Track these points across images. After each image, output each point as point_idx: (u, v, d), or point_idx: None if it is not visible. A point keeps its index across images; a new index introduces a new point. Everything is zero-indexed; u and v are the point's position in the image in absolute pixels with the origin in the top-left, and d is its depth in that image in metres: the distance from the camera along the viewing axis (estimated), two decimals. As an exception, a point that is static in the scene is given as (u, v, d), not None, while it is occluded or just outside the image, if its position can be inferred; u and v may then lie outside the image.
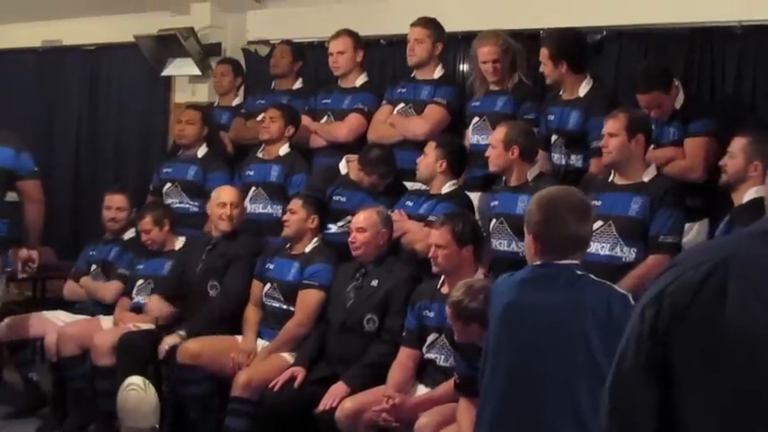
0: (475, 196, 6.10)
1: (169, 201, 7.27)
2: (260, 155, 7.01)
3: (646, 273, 4.96)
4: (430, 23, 6.55)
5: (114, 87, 9.15)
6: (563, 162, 5.94)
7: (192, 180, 7.26)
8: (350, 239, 5.88)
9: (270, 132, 6.88)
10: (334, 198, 6.49)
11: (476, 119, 6.34)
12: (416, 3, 6.97)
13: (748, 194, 4.92)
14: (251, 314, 6.32)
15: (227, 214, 6.51)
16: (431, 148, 6.02)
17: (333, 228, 6.41)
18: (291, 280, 6.15)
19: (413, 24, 6.57)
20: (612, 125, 5.28)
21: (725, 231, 4.85)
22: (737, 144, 5.04)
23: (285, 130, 6.88)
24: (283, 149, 6.91)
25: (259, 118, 7.19)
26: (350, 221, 6.10)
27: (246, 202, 6.84)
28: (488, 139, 5.87)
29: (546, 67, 5.95)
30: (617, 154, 5.30)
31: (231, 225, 6.53)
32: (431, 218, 5.85)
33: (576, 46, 5.97)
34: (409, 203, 6.15)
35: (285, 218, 6.27)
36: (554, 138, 6.00)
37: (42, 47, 9.77)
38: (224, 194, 6.60)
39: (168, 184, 7.34)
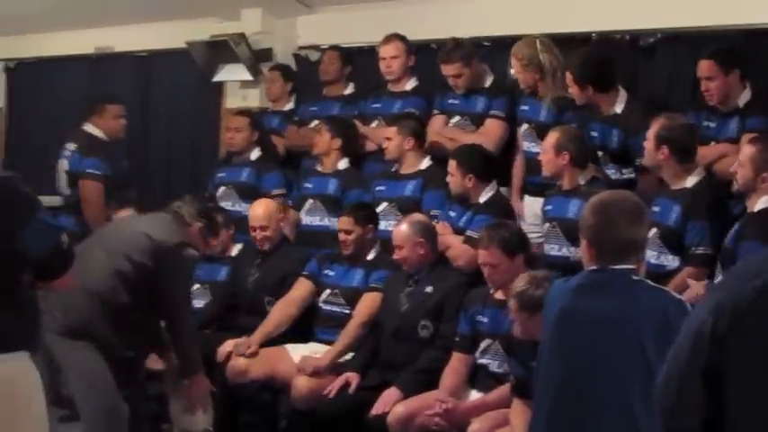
0: (532, 201, 6.07)
1: (223, 204, 7.29)
2: (318, 168, 6.99)
3: (680, 283, 4.94)
4: (455, 54, 6.48)
5: (166, 93, 9.20)
6: (612, 176, 5.89)
7: (246, 182, 7.29)
8: (394, 255, 5.87)
9: (318, 147, 6.93)
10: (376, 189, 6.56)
11: (525, 126, 6.30)
12: (464, 6, 6.95)
13: (760, 203, 4.84)
14: (279, 311, 6.32)
15: (259, 238, 6.56)
16: (453, 167, 6.03)
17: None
18: (356, 286, 6.16)
19: (443, 62, 6.51)
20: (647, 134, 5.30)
21: (734, 239, 4.76)
22: (746, 153, 4.91)
23: (332, 143, 6.88)
24: (342, 164, 6.90)
25: (312, 125, 7.23)
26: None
27: (302, 214, 6.88)
28: (537, 147, 5.90)
29: (573, 91, 5.90)
30: (648, 160, 5.36)
31: (268, 244, 6.57)
32: (468, 232, 5.88)
33: (598, 69, 5.88)
34: (452, 214, 6.14)
35: (341, 238, 6.23)
36: (600, 153, 5.96)
37: (95, 54, 9.84)
38: (252, 217, 6.64)
39: (222, 188, 7.38)
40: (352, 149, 6.97)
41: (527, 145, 6.25)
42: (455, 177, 6.03)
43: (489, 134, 6.46)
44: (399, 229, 5.84)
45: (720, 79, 5.55)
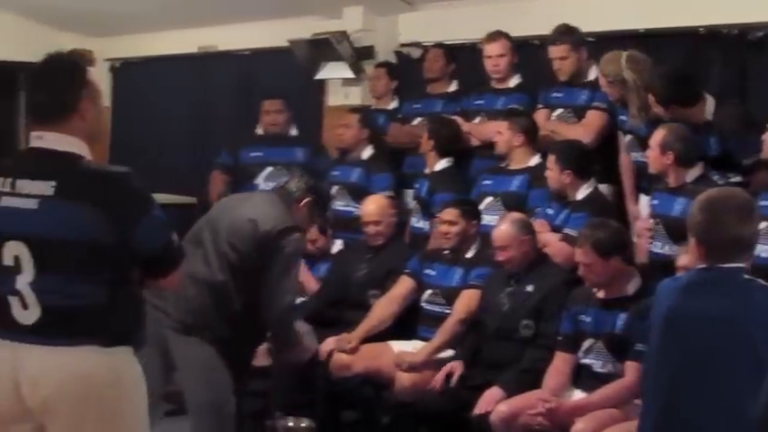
0: (648, 199, 5.98)
1: (336, 203, 7.34)
2: (426, 171, 6.99)
3: None
4: (565, 38, 6.45)
5: (268, 92, 9.24)
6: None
7: (356, 183, 7.32)
8: (497, 257, 5.83)
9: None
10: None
11: (628, 136, 6.17)
12: (567, 1, 6.88)
13: None
14: (382, 308, 6.34)
15: (370, 233, 6.57)
16: (551, 163, 6.00)
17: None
18: (456, 285, 6.13)
19: (550, 44, 6.50)
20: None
21: None
22: None
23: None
24: (440, 164, 6.91)
25: (415, 122, 7.25)
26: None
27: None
28: (643, 157, 5.82)
29: (657, 110, 5.76)
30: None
31: (380, 239, 6.60)
32: (565, 230, 5.84)
33: (680, 88, 5.69)
34: (550, 212, 6.10)
35: (444, 229, 6.20)
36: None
37: (198, 53, 9.96)
38: (365, 213, 6.69)
39: (336, 187, 7.40)
40: (449, 148, 6.95)
41: (633, 155, 6.14)
42: (553, 173, 5.99)
43: (589, 124, 6.40)
44: (502, 229, 5.78)
45: None
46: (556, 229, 5.97)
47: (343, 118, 7.59)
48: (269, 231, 5.09)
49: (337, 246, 7.13)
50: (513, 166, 6.49)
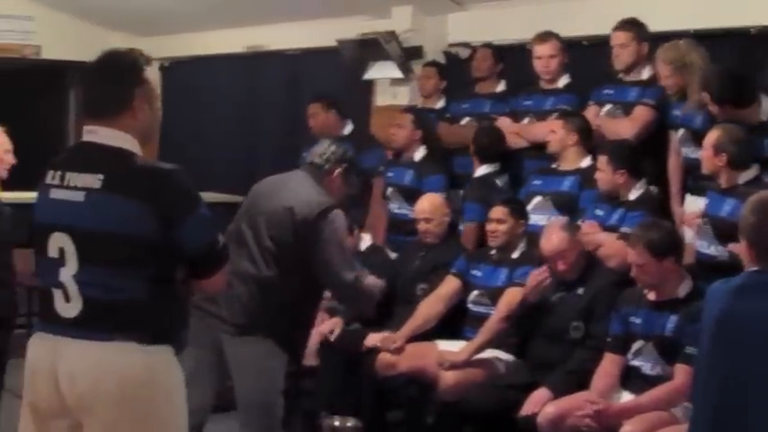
0: (694, 200, 5.94)
1: (391, 205, 7.38)
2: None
3: None
4: (632, 26, 6.40)
5: (316, 91, 9.27)
6: None
7: (409, 185, 7.30)
8: (558, 268, 5.77)
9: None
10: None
11: (681, 130, 6.12)
12: (617, 2, 6.84)
13: None
14: (427, 308, 6.33)
15: (423, 230, 6.59)
16: (603, 163, 5.96)
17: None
18: (501, 285, 6.12)
19: (615, 29, 6.44)
20: None
21: None
22: None
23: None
24: (480, 170, 6.96)
25: (463, 122, 7.23)
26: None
27: None
28: (695, 152, 5.78)
29: (712, 109, 5.68)
30: None
31: (433, 237, 6.59)
32: (623, 229, 5.78)
33: (736, 87, 5.63)
34: (600, 212, 6.05)
35: (492, 228, 6.20)
36: None
37: (246, 52, 10.00)
38: (418, 210, 6.68)
39: (390, 189, 7.43)
40: (488, 155, 6.97)
41: (685, 150, 6.07)
42: (605, 173, 5.95)
43: (636, 119, 6.34)
44: (557, 237, 5.71)
45: None
46: (608, 230, 5.91)
47: (395, 118, 7.56)
48: (306, 217, 4.96)
49: (366, 242, 7.09)
50: (565, 167, 6.47)
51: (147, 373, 3.38)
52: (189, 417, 3.59)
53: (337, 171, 5.22)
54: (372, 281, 5.26)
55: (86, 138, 3.50)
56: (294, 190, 5.12)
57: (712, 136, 5.46)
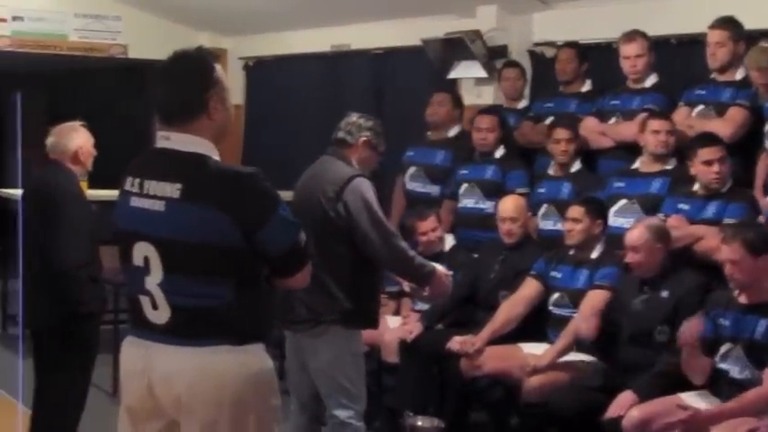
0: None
1: (464, 201, 7.35)
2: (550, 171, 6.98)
3: None
4: (729, 24, 6.28)
5: (400, 90, 9.29)
6: None
7: (491, 179, 7.28)
8: (626, 258, 5.75)
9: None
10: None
11: None
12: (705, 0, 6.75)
13: None
14: (507, 310, 6.32)
15: (506, 230, 6.55)
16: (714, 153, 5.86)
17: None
18: (581, 287, 6.09)
19: (711, 27, 6.33)
20: None
21: None
22: None
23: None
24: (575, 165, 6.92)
25: (547, 122, 7.20)
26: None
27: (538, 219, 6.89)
28: None
29: None
30: None
31: (513, 238, 6.56)
32: (726, 220, 5.68)
33: None
34: (685, 207, 5.96)
35: (568, 226, 6.18)
36: None
37: (331, 51, 10.03)
38: (502, 210, 6.65)
39: (465, 185, 7.40)
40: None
41: None
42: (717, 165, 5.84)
43: (729, 120, 6.23)
44: (636, 232, 5.70)
45: None
46: (703, 224, 5.83)
47: (484, 121, 7.44)
48: (331, 197, 5.01)
49: (449, 242, 7.07)
50: (647, 169, 6.39)
51: (243, 369, 3.39)
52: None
53: (362, 140, 5.27)
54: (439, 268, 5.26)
55: (160, 144, 3.47)
56: (322, 174, 5.20)
57: None
